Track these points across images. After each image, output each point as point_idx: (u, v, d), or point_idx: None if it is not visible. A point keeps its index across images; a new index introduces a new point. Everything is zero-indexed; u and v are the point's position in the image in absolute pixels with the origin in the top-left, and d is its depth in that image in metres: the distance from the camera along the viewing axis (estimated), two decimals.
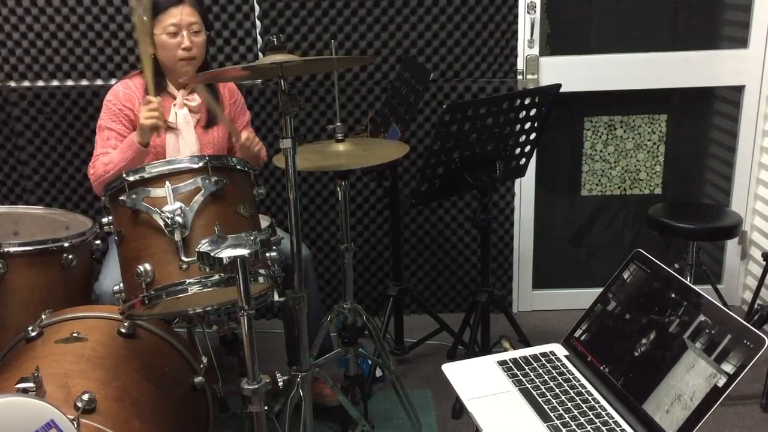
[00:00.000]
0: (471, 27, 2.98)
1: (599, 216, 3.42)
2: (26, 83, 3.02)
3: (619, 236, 3.44)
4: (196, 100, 2.40)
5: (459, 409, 2.54)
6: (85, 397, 1.64)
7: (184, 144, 2.36)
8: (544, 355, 1.74)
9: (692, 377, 1.40)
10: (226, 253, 1.49)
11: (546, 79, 3.06)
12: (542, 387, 1.62)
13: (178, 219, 1.68)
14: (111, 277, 2.21)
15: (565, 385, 1.62)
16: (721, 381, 1.34)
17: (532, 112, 2.40)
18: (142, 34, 2.18)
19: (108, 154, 2.28)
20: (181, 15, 2.27)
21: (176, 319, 2.21)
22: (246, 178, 1.85)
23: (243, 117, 2.59)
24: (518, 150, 2.52)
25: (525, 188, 3.20)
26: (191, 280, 1.68)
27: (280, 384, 1.74)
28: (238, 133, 2.40)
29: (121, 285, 1.78)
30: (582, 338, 1.72)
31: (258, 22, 2.98)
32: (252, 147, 2.39)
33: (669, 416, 1.41)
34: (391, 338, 2.97)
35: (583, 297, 2.65)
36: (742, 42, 3.07)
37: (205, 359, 2.08)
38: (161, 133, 2.30)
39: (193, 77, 2.25)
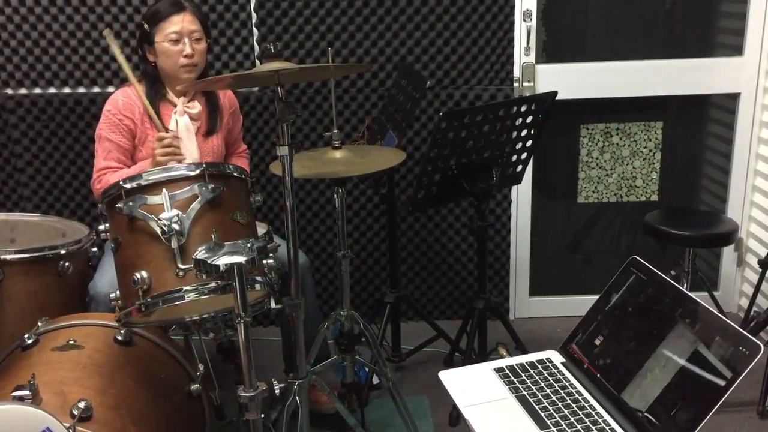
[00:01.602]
0: (467, 34, 2.99)
1: (596, 223, 3.42)
2: (23, 90, 3.02)
3: (615, 243, 3.45)
4: (196, 107, 2.40)
5: (456, 417, 2.54)
6: (82, 404, 1.64)
7: (186, 152, 2.36)
8: (540, 362, 1.74)
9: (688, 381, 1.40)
10: (223, 261, 1.49)
11: (542, 87, 3.07)
12: (539, 394, 1.62)
13: (175, 226, 1.68)
14: (106, 278, 2.21)
15: (561, 392, 1.62)
16: (718, 387, 1.34)
17: (529, 119, 2.41)
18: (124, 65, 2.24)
19: (116, 173, 2.28)
20: (182, 23, 2.28)
21: (173, 326, 2.20)
22: (243, 185, 1.85)
23: (237, 124, 2.61)
24: (515, 157, 2.53)
25: (522, 195, 3.21)
26: (188, 288, 1.67)
27: (277, 391, 1.74)
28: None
29: (118, 292, 1.78)
30: (578, 345, 1.71)
31: (255, 30, 2.99)
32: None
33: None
34: (388, 345, 2.96)
35: (580, 304, 2.65)
36: (737, 50, 3.09)
37: (201, 366, 2.08)
38: (149, 136, 2.31)
39: (193, 84, 2.26)
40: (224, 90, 2.52)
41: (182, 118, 2.37)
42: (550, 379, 1.67)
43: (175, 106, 2.37)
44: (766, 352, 1.34)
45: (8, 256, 2.15)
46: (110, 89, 2.94)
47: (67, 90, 3.02)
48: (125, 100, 2.34)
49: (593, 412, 1.55)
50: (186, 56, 2.29)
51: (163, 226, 1.67)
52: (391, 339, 2.96)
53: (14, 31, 2.95)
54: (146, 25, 2.31)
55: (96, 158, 2.35)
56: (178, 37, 2.28)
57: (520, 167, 2.59)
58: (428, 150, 2.26)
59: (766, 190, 3.07)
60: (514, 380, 1.68)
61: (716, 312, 1.45)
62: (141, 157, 2.36)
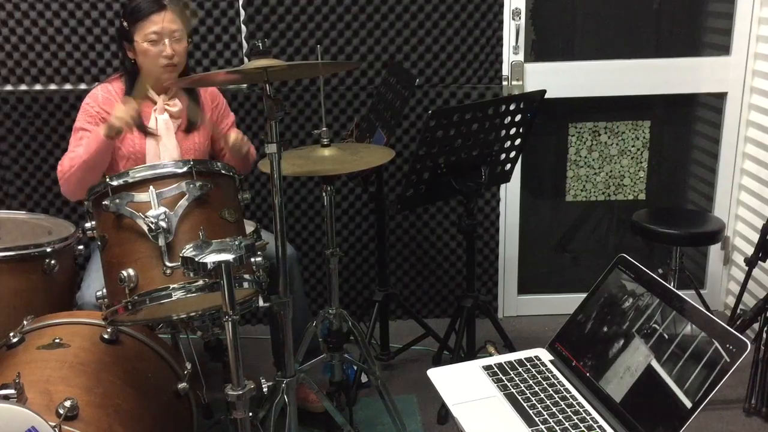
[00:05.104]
0: (456, 33, 2.99)
1: (584, 221, 3.44)
2: (8, 87, 3.00)
3: (603, 242, 3.46)
4: (177, 105, 2.38)
5: (444, 415, 2.54)
6: (67, 403, 1.63)
7: (165, 150, 2.34)
8: (529, 359, 1.74)
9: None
10: (211, 259, 1.48)
11: (531, 85, 3.07)
12: (527, 392, 1.62)
13: (162, 224, 1.67)
14: (93, 287, 2.18)
15: (549, 389, 1.63)
16: (705, 384, 1.35)
17: (517, 117, 2.41)
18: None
19: (68, 153, 2.25)
20: (162, 22, 2.25)
21: (160, 324, 2.19)
22: (231, 182, 1.84)
23: (227, 119, 2.58)
24: (503, 156, 2.53)
25: (510, 194, 3.21)
26: (175, 286, 1.67)
27: (265, 390, 1.73)
28: (225, 135, 2.39)
29: (104, 290, 1.76)
30: (567, 343, 1.72)
31: (243, 27, 2.97)
32: (242, 148, 2.40)
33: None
34: (377, 344, 2.96)
35: (568, 302, 2.66)
36: (724, 49, 3.10)
37: (189, 365, 2.07)
38: (128, 133, 2.27)
39: (177, 81, 2.24)
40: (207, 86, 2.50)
41: (162, 116, 2.34)
42: (538, 376, 1.68)
43: (155, 103, 2.35)
44: (752, 350, 1.34)
45: None
46: (96, 85, 2.92)
47: (53, 87, 3.00)
48: (105, 95, 2.32)
49: (581, 410, 1.55)
50: (166, 57, 2.27)
51: (150, 224, 1.66)
52: (379, 337, 2.96)
53: None
54: (125, 23, 2.27)
55: (68, 149, 2.29)
56: (158, 37, 2.24)
57: (508, 166, 2.59)
58: (417, 148, 2.26)
59: (753, 189, 3.09)
60: (503, 378, 1.68)
61: (703, 310, 1.46)
62: (120, 154, 2.32)
